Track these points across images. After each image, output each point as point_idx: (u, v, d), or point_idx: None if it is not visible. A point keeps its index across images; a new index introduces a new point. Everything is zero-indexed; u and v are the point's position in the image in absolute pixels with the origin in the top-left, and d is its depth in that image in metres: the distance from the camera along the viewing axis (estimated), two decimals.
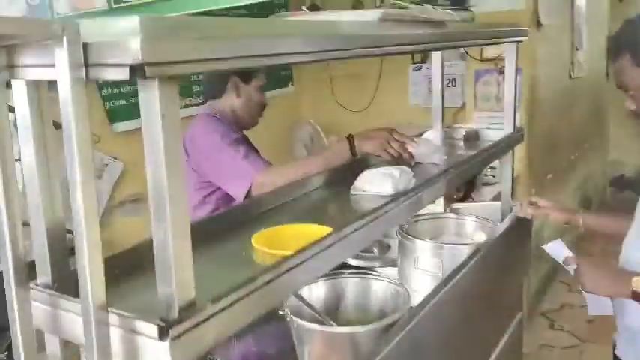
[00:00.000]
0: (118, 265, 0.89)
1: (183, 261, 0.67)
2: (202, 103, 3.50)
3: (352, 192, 1.43)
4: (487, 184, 3.27)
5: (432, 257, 1.70)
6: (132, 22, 0.59)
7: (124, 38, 0.58)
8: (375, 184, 1.41)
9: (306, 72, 4.29)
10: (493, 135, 2.12)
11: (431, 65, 2.22)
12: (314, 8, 3.56)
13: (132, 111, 3.13)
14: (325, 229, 1.12)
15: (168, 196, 0.64)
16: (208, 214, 1.83)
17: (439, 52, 2.15)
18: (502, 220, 2.00)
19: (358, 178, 1.44)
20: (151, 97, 0.62)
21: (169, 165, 0.64)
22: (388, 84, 4.09)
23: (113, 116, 3.10)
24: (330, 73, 4.25)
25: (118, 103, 3.12)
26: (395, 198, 1.27)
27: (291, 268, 0.88)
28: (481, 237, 1.91)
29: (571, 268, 1.51)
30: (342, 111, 4.27)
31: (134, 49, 0.57)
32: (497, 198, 2.82)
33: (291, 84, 4.33)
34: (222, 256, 1.03)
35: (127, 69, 0.58)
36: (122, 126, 3.11)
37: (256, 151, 2.14)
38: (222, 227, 1.12)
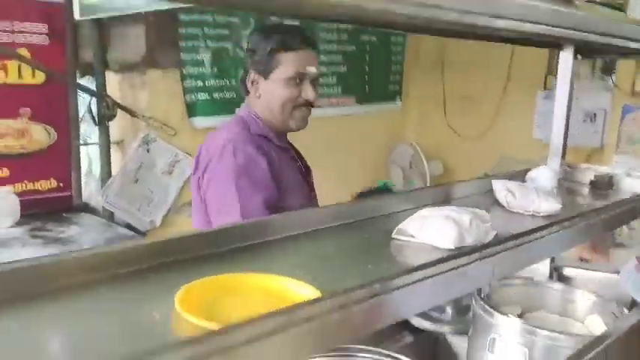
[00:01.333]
0: None
1: None
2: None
3: (394, 236, 0.97)
4: (621, 245, 2.57)
5: (517, 344, 1.19)
6: None
7: None
8: (431, 229, 0.94)
9: (416, 87, 3.84)
10: (634, 185, 1.54)
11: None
12: None
13: (213, 107, 2.91)
14: (308, 291, 0.69)
15: None
16: None
17: (568, 70, 1.62)
18: (632, 304, 1.41)
19: (408, 219, 0.98)
20: None
21: None
22: (510, 111, 3.50)
23: (193, 110, 2.88)
24: (444, 92, 3.75)
25: (199, 97, 2.89)
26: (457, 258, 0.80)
27: None
28: (596, 324, 1.35)
29: None
30: (452, 135, 3.75)
31: None
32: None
33: (399, 99, 3.89)
34: (116, 320, 0.63)
35: None
36: (201, 121, 2.89)
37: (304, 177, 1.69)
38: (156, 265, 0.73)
